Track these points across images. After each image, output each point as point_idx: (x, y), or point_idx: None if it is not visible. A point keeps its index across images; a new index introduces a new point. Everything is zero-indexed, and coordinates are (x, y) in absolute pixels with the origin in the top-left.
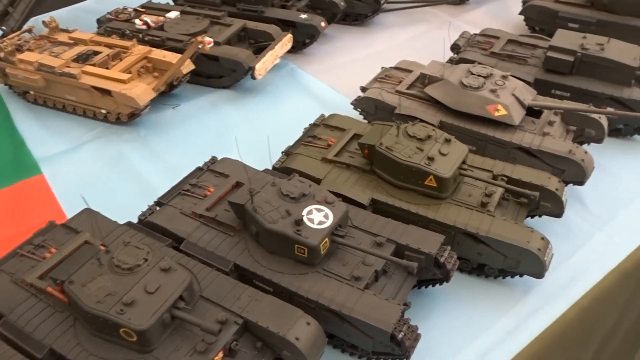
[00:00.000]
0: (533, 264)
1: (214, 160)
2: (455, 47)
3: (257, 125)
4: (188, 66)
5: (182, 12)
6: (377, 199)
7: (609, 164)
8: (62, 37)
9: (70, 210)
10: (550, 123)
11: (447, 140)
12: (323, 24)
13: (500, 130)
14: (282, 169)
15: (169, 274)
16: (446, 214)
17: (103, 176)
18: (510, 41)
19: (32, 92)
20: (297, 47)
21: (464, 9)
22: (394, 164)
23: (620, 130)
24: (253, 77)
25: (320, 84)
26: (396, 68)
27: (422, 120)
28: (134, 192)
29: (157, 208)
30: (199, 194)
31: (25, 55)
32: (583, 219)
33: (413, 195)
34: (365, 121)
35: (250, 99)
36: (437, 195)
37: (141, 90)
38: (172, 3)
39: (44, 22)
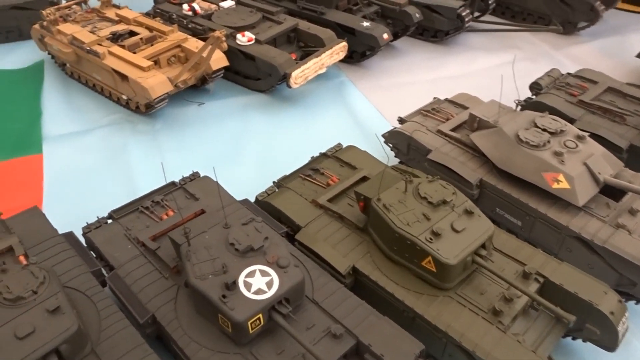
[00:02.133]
0: None
1: (194, 176)
2: (535, 87)
3: (278, 139)
4: (220, 62)
5: (237, 3)
6: (360, 269)
7: None
8: (111, 12)
9: (49, 198)
10: (633, 212)
11: (469, 213)
12: (386, 35)
13: (557, 209)
14: (263, 204)
15: None
16: (439, 313)
17: (95, 168)
18: (610, 89)
19: (68, 65)
20: (355, 58)
21: (571, 40)
22: (388, 230)
23: None
24: (288, 85)
25: (368, 104)
26: (450, 101)
27: (454, 174)
28: (110, 193)
29: (108, 222)
30: (156, 214)
31: (63, 27)
32: None
33: (406, 275)
34: (392, 160)
35: (284, 108)
36: (436, 283)
37: (157, 82)
38: None
39: None
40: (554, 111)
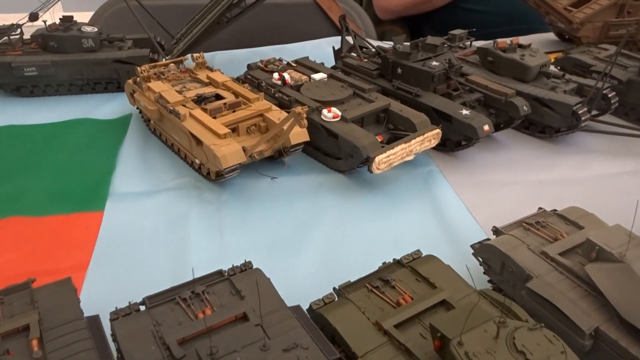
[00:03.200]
0: None
1: (245, 267)
2: None
3: (349, 231)
4: (300, 136)
5: (330, 76)
6: None
7: None
8: (203, 74)
9: (96, 263)
10: None
11: None
12: (487, 127)
13: None
14: (317, 316)
15: None
16: None
17: (152, 234)
18: None
19: (152, 122)
20: (449, 146)
21: None
22: None
23: None
24: (370, 170)
25: (458, 203)
26: (560, 216)
27: (560, 314)
28: (159, 267)
29: (140, 308)
30: (193, 309)
31: (153, 85)
32: None
33: None
34: (479, 278)
35: (361, 194)
36: None
37: (230, 151)
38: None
39: (192, 56)
40: None
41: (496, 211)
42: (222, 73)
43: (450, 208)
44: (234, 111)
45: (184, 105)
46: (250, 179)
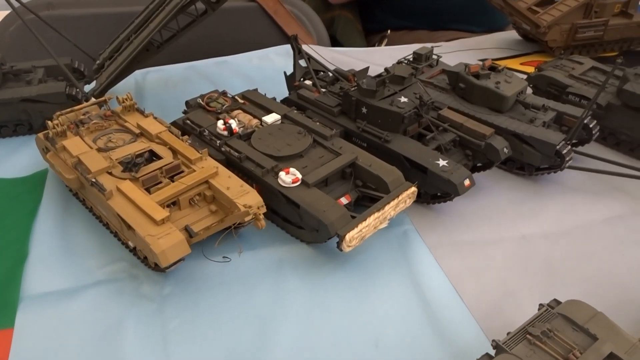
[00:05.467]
0: None
1: None
2: None
3: (320, 320)
4: (254, 210)
5: (284, 117)
6: None
7: None
8: (133, 120)
9: None
10: None
11: None
12: (467, 182)
13: None
14: None
15: None
16: None
17: (75, 356)
18: None
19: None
20: (424, 198)
21: None
22: None
23: None
24: (339, 248)
25: (440, 275)
26: (565, 317)
27: None
28: None
29: None
30: None
31: (70, 143)
32: None
33: None
34: None
35: (330, 268)
36: None
37: (171, 244)
38: (278, 99)
39: (117, 98)
40: None
41: (483, 286)
42: (156, 118)
43: (430, 280)
44: (172, 179)
45: (110, 173)
46: (197, 260)
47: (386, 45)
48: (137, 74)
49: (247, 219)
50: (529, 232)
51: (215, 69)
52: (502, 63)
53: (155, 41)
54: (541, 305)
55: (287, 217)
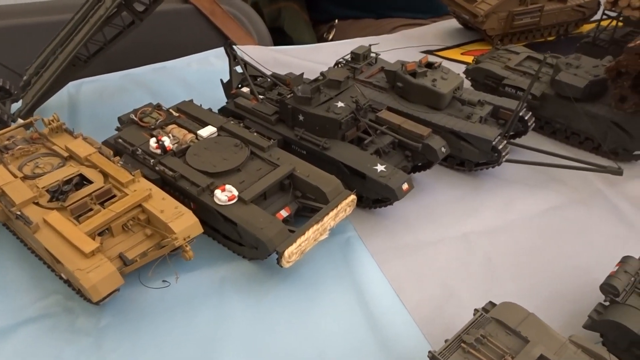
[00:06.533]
0: None
1: None
2: (610, 290)
3: (266, 339)
4: (191, 231)
5: (220, 129)
6: None
7: None
8: (61, 142)
9: None
10: None
11: None
12: (405, 186)
13: None
14: None
15: None
16: None
17: None
18: None
19: None
20: (365, 203)
21: (631, 172)
22: None
23: None
24: (279, 265)
25: (383, 282)
26: (498, 322)
27: None
28: None
29: None
30: None
31: None
32: None
33: None
34: None
35: (273, 284)
36: None
37: (102, 277)
38: (216, 110)
39: (43, 120)
40: None
41: (425, 290)
42: (85, 139)
43: (374, 288)
44: (103, 204)
45: (37, 204)
46: (136, 287)
47: (334, 35)
48: (70, 86)
49: (176, 244)
50: (470, 230)
51: (154, 76)
52: (444, 54)
53: (82, 55)
54: (476, 310)
55: (227, 234)
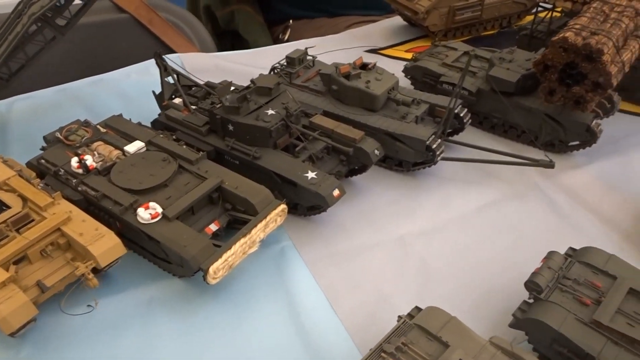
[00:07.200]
0: None
1: None
2: (534, 287)
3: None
4: (113, 253)
5: (148, 143)
6: None
7: None
8: None
9: None
10: None
11: None
12: (336, 192)
13: None
14: None
15: None
16: None
17: None
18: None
19: None
20: (300, 211)
21: (565, 164)
22: None
23: None
24: (206, 282)
25: (317, 290)
26: (420, 328)
27: None
28: None
29: None
30: None
31: None
32: None
33: None
34: None
35: (203, 302)
36: None
37: (12, 310)
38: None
39: None
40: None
41: (359, 297)
42: (6, 162)
43: (307, 303)
44: (19, 231)
45: None
46: (57, 315)
47: (290, 35)
48: (1, 104)
49: (78, 273)
50: (406, 232)
51: (90, 90)
52: (389, 52)
53: (4, 74)
54: (399, 317)
55: (154, 252)
